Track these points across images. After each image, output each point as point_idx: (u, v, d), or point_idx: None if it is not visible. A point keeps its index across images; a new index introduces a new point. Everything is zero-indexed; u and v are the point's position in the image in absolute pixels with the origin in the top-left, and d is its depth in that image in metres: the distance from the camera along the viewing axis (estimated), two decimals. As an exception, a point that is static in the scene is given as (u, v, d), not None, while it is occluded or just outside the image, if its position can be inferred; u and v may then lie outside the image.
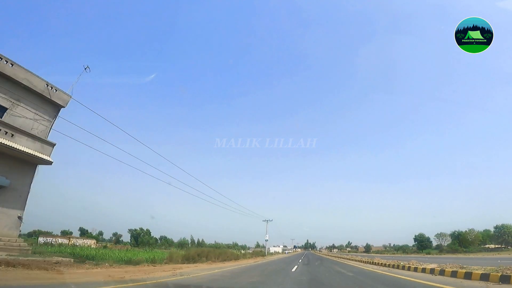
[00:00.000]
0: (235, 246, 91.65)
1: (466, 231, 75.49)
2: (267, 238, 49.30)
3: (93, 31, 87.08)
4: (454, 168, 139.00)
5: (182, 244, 74.56)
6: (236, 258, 30.07)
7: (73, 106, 17.25)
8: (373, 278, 11.51)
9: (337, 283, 9.99)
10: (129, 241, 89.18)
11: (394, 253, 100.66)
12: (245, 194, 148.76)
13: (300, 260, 28.14)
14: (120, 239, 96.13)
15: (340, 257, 38.23)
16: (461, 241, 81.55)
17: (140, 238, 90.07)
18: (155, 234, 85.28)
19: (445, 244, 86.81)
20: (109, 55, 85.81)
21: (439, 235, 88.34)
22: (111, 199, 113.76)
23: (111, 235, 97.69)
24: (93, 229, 77.78)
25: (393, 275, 12.52)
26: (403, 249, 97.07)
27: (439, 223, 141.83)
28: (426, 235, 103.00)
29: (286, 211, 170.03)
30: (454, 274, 10.65)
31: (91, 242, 45.61)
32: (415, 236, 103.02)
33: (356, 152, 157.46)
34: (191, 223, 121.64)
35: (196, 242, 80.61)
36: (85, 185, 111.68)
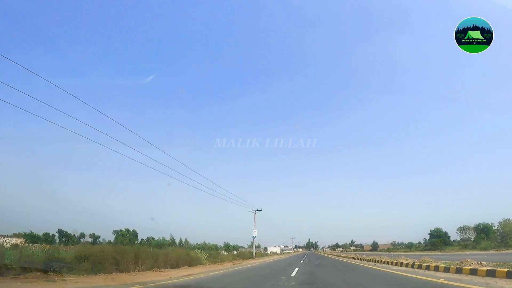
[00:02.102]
0: (226, 247, 79.55)
1: (500, 221, 63.72)
2: (255, 234, 36.99)
3: (91, 33, 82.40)
4: (463, 164, 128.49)
5: (160, 245, 62.70)
6: (191, 262, 18.01)
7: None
8: None
9: None
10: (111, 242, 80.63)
11: (406, 251, 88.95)
12: (245, 194, 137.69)
13: (295, 270, 15.21)
14: (98, 240, 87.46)
15: (362, 259, 25.96)
16: (488, 235, 70.33)
17: (116, 239, 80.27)
18: (144, 235, 73.08)
19: (471, 239, 74.87)
20: (107, 58, 79.23)
21: (462, 229, 76.09)
22: (109, 200, 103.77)
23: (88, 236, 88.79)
24: (74, 230, 66.02)
25: None
26: (433, 244, 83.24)
27: (448, 218, 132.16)
28: (443, 230, 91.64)
29: (286, 210, 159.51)
30: None
31: (16, 241, 34.15)
32: (430, 231, 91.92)
33: (357, 151, 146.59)
34: (182, 223, 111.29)
35: (178, 242, 68.33)
36: (78, 186, 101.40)
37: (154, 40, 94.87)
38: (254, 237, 36.89)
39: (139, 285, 8.56)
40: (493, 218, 72.61)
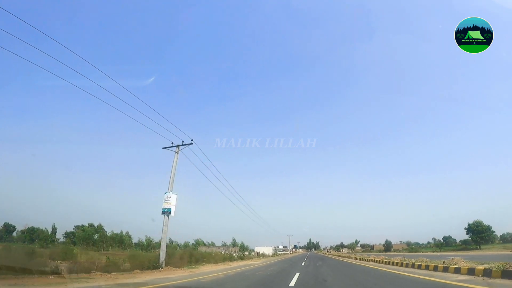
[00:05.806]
0: (197, 245, 58.78)
1: None
2: (168, 205, 13.64)
3: (90, 34, 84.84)
4: (465, 162, 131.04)
5: (85, 240, 43.33)
6: None
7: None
8: None
9: None
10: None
11: (436, 251, 68.41)
12: (244, 193, 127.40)
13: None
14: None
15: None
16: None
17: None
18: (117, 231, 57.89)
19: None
20: (106, 59, 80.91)
21: (524, 220, 54.97)
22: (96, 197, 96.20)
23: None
24: (25, 225, 60.68)
25: None
26: (476, 242, 62.21)
27: (457, 217, 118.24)
28: (485, 223, 70.98)
29: (286, 209, 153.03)
30: None
31: None
32: (468, 225, 71.20)
33: (359, 149, 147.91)
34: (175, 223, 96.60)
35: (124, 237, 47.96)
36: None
37: (153, 42, 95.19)
38: (165, 213, 13.29)
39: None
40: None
